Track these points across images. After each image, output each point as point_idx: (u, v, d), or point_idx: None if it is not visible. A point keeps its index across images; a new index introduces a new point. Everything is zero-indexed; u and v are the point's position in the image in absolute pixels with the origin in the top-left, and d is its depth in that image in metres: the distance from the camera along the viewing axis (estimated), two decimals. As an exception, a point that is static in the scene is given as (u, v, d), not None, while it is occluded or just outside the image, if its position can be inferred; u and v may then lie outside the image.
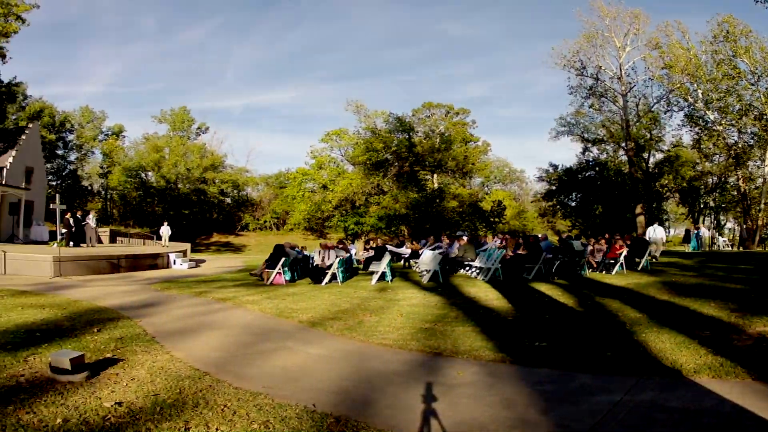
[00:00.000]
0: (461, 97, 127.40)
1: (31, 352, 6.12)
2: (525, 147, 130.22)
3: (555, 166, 49.98)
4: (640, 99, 41.51)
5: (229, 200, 71.32)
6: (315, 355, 6.68)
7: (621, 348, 6.43)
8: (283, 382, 5.46)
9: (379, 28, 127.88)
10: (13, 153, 29.97)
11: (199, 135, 70.39)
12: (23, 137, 31.31)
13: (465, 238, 17.37)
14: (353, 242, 29.26)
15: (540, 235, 17.16)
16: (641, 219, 38.48)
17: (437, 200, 46.87)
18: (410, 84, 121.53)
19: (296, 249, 16.82)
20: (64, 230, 22.02)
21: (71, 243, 21.85)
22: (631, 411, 4.38)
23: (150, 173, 63.99)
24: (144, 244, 32.17)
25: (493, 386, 5.20)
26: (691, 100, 37.72)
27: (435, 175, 53.20)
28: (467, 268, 15.51)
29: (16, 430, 3.89)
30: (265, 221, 68.98)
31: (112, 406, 4.48)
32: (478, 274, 14.56)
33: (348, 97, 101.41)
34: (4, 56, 32.87)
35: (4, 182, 27.84)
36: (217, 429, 4.13)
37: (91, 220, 23.88)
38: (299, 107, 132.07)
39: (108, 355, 6.17)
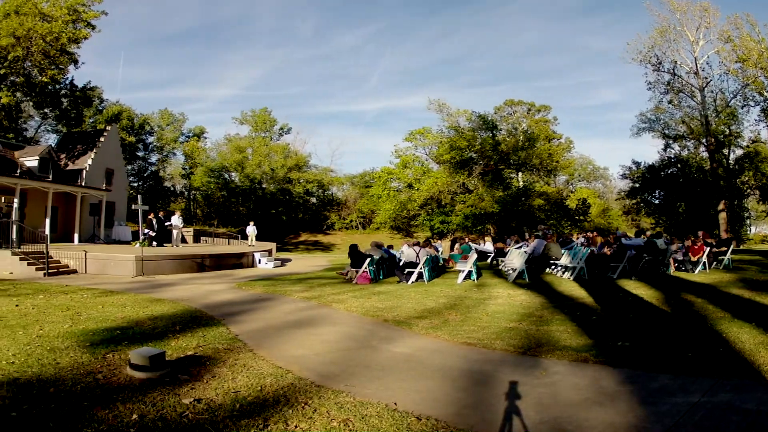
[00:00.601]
0: (595, 102, 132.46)
1: (110, 349, 6.53)
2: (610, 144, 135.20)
3: (638, 164, 50.43)
4: (717, 94, 42.52)
5: (314, 200, 75.08)
6: (399, 354, 6.87)
7: (702, 348, 6.70)
8: (366, 380, 5.65)
9: (525, 38, 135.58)
10: (92, 155, 32.46)
11: (282, 135, 74.81)
12: (102, 139, 33.87)
13: (548, 236, 17.83)
14: (440, 241, 29.87)
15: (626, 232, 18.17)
16: (723, 216, 40.01)
17: (523, 198, 48.02)
18: (545, 90, 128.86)
19: (383, 248, 17.23)
20: (146, 230, 23.43)
21: (154, 243, 23.22)
22: (707, 412, 4.59)
23: (233, 174, 68.39)
24: (228, 243, 33.67)
25: (575, 386, 5.40)
26: (766, 94, 38.63)
27: (520, 174, 54.56)
28: (553, 267, 16.30)
29: (90, 425, 4.13)
30: (351, 220, 71.64)
31: (190, 403, 4.68)
32: (563, 272, 15.35)
33: (429, 96, 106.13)
34: (76, 62, 35.53)
35: (83, 184, 30.12)
36: (296, 426, 4.23)
37: (176, 220, 25.28)
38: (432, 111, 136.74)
39: (189, 353, 6.49)
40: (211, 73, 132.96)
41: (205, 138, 76.10)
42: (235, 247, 29.63)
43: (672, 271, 15.24)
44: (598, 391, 5.23)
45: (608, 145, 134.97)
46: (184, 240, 28.29)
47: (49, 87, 36.38)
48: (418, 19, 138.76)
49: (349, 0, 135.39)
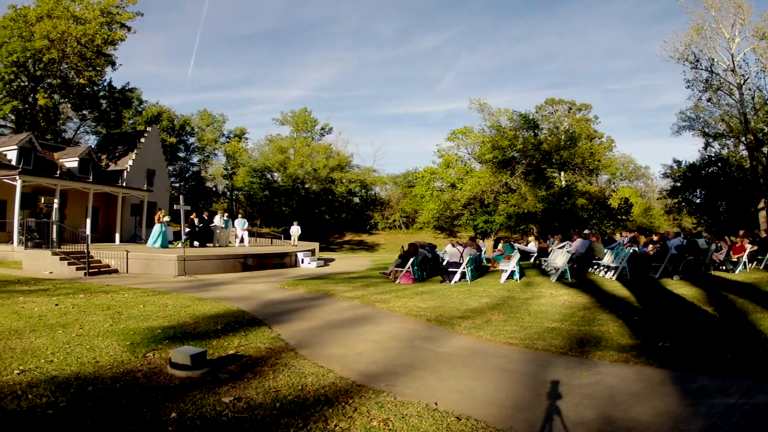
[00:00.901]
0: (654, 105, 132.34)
1: (151, 348, 6.70)
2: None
3: (678, 163, 51.18)
4: (755, 91, 43.11)
5: (357, 200, 77.36)
6: (440, 354, 7.01)
7: (742, 348, 6.80)
8: (407, 379, 5.75)
9: (596, 43, 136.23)
10: (133, 156, 33.44)
11: (323, 136, 77.08)
12: (142, 140, 34.89)
13: (593, 237, 18.09)
14: (483, 240, 30.14)
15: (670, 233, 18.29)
16: (763, 214, 40.81)
17: (566, 198, 48.63)
18: (611, 92, 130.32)
19: (426, 248, 17.42)
20: (188, 230, 23.88)
21: (196, 243, 23.66)
22: (744, 414, 4.68)
23: (276, 174, 70.42)
24: (272, 243, 34.11)
25: (614, 387, 5.53)
26: (803, 91, 39.45)
27: (562, 173, 55.43)
28: (595, 266, 16.61)
29: (128, 424, 4.24)
30: (394, 220, 73.30)
31: (230, 401, 4.76)
32: (606, 272, 15.67)
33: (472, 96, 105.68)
34: (113, 63, 36.78)
35: (124, 184, 31.02)
36: (336, 425, 4.29)
37: (218, 220, 25.82)
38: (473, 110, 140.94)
39: (231, 353, 6.62)
40: (284, 74, 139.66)
41: (246, 138, 78.69)
42: (278, 246, 30.04)
43: (712, 270, 15.45)
44: (637, 392, 5.34)
45: (652, 144, 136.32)
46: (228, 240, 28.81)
47: (87, 89, 37.57)
48: (498, 22, 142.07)
49: (436, 4, 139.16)
